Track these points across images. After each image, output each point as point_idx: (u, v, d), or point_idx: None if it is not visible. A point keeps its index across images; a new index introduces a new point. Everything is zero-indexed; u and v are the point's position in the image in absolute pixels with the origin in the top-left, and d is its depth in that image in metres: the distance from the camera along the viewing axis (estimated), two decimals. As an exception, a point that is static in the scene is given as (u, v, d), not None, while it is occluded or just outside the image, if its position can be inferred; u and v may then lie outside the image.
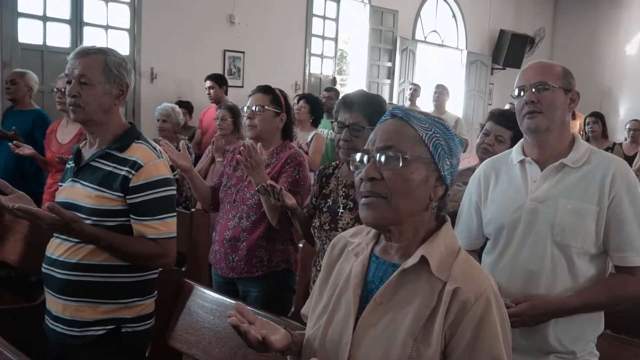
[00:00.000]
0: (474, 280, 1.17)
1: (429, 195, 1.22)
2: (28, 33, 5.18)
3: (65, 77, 1.98)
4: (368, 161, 1.22)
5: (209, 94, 5.67)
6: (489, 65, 11.27)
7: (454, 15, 10.71)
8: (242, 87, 6.92)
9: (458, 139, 1.28)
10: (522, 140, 2.05)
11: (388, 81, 9.35)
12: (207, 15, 6.54)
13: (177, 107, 5.00)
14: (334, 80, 8.38)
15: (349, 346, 1.20)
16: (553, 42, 12.63)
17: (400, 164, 1.18)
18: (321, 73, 8.25)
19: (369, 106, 2.27)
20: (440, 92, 6.38)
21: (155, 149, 2.05)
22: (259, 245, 2.66)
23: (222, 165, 4.10)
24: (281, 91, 2.84)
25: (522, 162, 1.98)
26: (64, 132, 3.87)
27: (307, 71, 7.90)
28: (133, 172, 1.94)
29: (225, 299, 2.47)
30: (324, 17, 8.14)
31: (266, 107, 2.71)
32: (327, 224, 2.35)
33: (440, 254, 1.20)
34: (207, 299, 2.53)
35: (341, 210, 2.33)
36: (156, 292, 2.19)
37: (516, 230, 1.92)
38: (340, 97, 2.39)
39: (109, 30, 5.77)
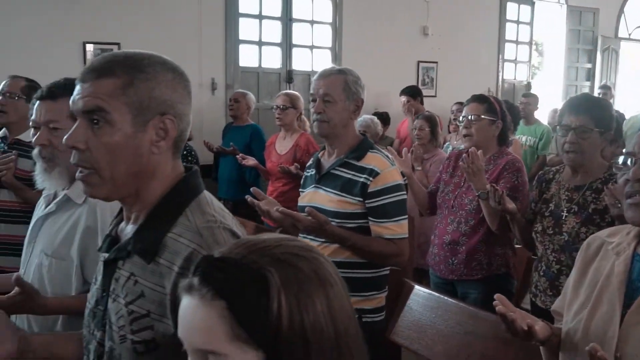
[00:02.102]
0: None
1: None
2: (246, 57, 5.80)
3: (311, 96, 2.25)
4: (633, 164, 1.26)
5: (406, 108, 5.80)
6: None
7: (663, 8, 9.79)
8: (435, 96, 7.02)
9: None
10: None
11: (587, 83, 8.83)
12: (402, 29, 6.76)
13: (375, 119, 5.24)
14: (528, 85, 8.14)
15: (615, 340, 1.25)
16: None
17: None
18: (515, 78, 8.06)
19: (597, 109, 2.27)
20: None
21: (388, 157, 2.25)
22: (478, 249, 2.74)
23: (424, 174, 4.26)
24: (496, 98, 2.91)
25: None
26: (282, 144, 4.29)
27: (500, 77, 7.77)
28: (371, 178, 2.13)
29: (446, 298, 2.59)
30: (517, 22, 7.95)
31: (482, 116, 2.79)
32: (550, 229, 2.37)
33: None
34: (429, 299, 2.67)
35: (565, 214, 2.34)
36: (387, 287, 2.38)
37: None
38: (565, 102, 2.41)
39: (314, 50, 6.24)
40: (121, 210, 1.22)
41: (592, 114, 2.25)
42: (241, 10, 5.70)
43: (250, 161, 4.25)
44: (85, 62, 5.01)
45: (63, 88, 1.71)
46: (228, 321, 0.72)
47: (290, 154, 4.16)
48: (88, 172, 1.08)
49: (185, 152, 4.14)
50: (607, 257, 1.37)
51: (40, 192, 2.91)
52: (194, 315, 0.74)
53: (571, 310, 1.41)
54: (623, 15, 9.20)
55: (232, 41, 5.65)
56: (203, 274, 0.75)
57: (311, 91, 2.24)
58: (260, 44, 5.91)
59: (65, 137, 1.08)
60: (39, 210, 1.83)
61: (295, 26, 6.09)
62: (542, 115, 6.88)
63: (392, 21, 6.66)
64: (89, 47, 5.04)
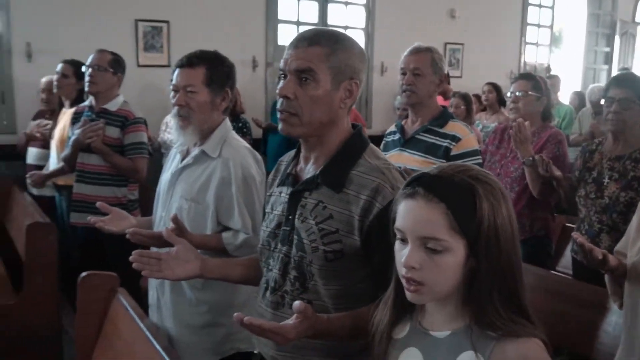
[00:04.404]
0: None
1: None
2: (285, 36, 6.07)
3: (401, 70, 2.55)
4: None
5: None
6: None
7: (681, -7, 9.98)
8: (460, 77, 7.28)
9: None
10: None
11: (605, 67, 9.08)
12: (431, 11, 7.01)
13: None
14: (548, 68, 8.39)
15: None
16: None
17: None
18: (536, 61, 8.31)
19: (639, 85, 2.57)
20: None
21: (467, 126, 2.56)
22: (522, 213, 3.04)
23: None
24: (541, 77, 3.20)
25: None
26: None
27: (522, 60, 8.03)
28: (454, 143, 2.44)
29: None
30: (539, 5, 8.18)
31: (529, 92, 3.09)
32: (592, 193, 2.68)
33: None
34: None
35: (607, 180, 2.64)
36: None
37: None
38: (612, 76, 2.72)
39: (347, 30, 6.49)
40: (295, 155, 1.53)
41: (635, 88, 2.56)
42: (280, -10, 5.97)
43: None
44: (137, 39, 5.30)
45: (200, 58, 2.03)
46: (448, 217, 1.03)
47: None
48: (290, 116, 1.40)
49: (240, 125, 4.42)
50: None
51: (126, 158, 3.24)
52: (420, 212, 1.05)
53: (635, 247, 1.72)
54: (641, 0, 9.42)
55: (271, 20, 5.92)
56: (427, 185, 1.06)
57: (401, 65, 2.54)
58: (298, 23, 6.18)
59: (279, 87, 1.40)
60: (173, 162, 2.14)
61: (331, 7, 6.34)
62: (564, 96, 7.15)
63: (422, 3, 6.91)
64: (140, 25, 5.31)
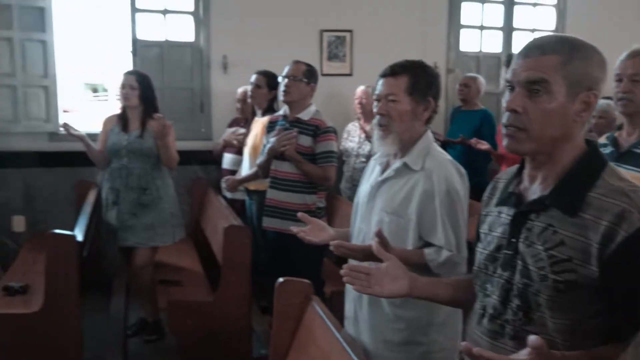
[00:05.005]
0: None
1: None
2: (467, 41, 5.88)
3: (616, 76, 2.32)
4: None
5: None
6: None
7: None
8: (664, 81, 6.52)
9: None
10: None
11: None
12: (629, 10, 6.36)
13: (612, 103, 5.05)
14: None
15: None
16: None
17: None
18: None
19: None
20: None
21: None
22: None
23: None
24: None
25: None
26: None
27: None
28: None
29: None
30: None
31: None
32: None
33: None
34: None
35: None
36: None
37: None
38: None
39: (535, 32, 6.12)
40: (518, 173, 1.42)
41: None
42: (464, -6, 5.79)
43: (484, 145, 4.37)
44: (321, 49, 5.45)
45: (403, 67, 2.00)
46: None
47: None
48: (518, 131, 1.29)
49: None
50: None
51: (317, 166, 3.32)
52: None
53: None
54: None
55: (454, 26, 5.77)
56: None
57: (617, 71, 2.31)
58: (481, 28, 5.95)
59: (506, 101, 1.31)
60: (373, 175, 2.13)
61: (517, 9, 6.02)
62: None
63: (621, 2, 6.30)
64: (325, 35, 5.45)
